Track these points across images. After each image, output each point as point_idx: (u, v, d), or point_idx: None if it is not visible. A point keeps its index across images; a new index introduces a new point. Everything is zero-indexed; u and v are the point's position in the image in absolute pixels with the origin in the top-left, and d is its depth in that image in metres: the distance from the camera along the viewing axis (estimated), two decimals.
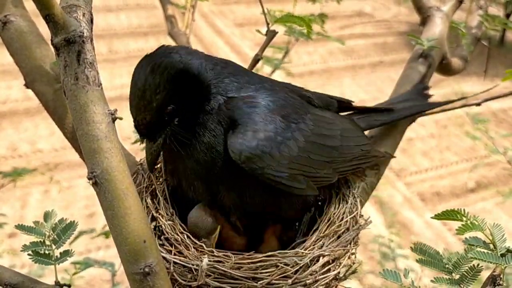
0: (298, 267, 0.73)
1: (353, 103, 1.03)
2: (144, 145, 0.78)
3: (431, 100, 1.13)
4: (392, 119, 1.05)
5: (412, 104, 1.09)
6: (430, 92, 1.14)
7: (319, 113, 0.87)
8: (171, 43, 1.41)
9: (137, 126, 0.73)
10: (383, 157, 1.02)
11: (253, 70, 0.98)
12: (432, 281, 0.66)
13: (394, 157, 1.07)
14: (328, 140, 0.84)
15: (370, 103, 1.08)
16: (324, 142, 0.83)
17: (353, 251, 0.82)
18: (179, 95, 0.73)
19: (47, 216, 0.72)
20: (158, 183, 0.83)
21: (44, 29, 0.65)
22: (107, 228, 0.64)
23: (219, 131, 0.75)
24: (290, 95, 0.84)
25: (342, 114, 1.01)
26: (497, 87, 1.18)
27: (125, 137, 1.05)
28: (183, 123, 0.75)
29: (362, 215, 0.86)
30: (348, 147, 0.88)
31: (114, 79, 4.54)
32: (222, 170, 0.76)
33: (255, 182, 0.76)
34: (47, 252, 0.71)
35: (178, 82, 0.73)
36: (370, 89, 4.73)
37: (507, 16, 5.40)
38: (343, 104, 1.01)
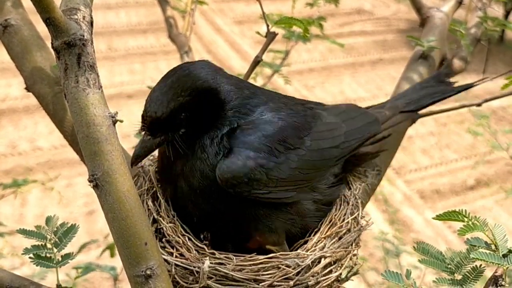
0: (299, 269, 0.73)
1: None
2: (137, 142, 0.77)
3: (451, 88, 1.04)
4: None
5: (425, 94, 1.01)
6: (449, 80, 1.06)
7: (323, 123, 0.85)
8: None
9: (144, 118, 0.73)
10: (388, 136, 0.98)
11: (253, 72, 0.98)
12: (434, 281, 0.66)
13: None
14: (326, 152, 0.83)
15: (370, 101, 1.07)
16: (322, 154, 0.82)
17: (355, 252, 0.82)
18: (199, 110, 0.74)
19: (48, 220, 0.72)
20: (159, 185, 0.83)
21: (43, 28, 0.65)
22: (108, 231, 0.64)
23: (215, 157, 0.75)
24: (294, 112, 0.82)
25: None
26: (497, 86, 1.17)
27: (124, 134, 1.05)
28: (187, 135, 0.74)
29: (364, 216, 0.86)
30: (353, 140, 0.87)
31: (114, 76, 4.54)
32: (210, 193, 0.75)
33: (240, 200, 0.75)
34: (48, 255, 0.71)
35: (203, 98, 0.74)
36: (370, 87, 4.73)
37: (507, 13, 5.40)
38: None
